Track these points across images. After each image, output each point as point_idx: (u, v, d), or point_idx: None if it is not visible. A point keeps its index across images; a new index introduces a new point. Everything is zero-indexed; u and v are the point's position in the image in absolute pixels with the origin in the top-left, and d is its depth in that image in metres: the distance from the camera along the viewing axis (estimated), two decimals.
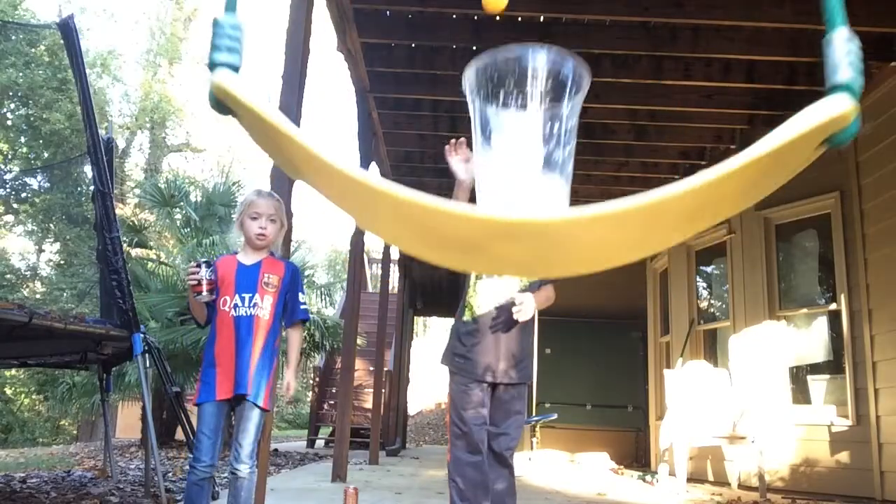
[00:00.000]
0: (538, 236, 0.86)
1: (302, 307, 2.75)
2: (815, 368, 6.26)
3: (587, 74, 0.97)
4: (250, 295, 2.60)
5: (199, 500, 2.53)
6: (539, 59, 0.94)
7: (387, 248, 9.01)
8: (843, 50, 0.81)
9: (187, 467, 6.30)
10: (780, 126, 0.82)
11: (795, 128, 0.81)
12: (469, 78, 0.98)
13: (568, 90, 0.95)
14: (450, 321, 3.10)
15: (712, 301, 8.25)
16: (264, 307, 2.61)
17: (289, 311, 2.72)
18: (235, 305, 2.59)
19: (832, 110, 0.80)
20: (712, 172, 0.83)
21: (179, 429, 5.77)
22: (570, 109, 0.96)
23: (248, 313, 2.59)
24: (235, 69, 0.87)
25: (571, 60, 0.95)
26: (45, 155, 16.13)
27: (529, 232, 0.85)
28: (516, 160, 0.93)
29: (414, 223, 0.92)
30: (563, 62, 0.94)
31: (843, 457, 5.53)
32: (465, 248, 0.91)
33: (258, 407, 2.55)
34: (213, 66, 0.87)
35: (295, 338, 2.77)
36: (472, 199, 2.39)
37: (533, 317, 2.68)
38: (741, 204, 0.96)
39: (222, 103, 0.87)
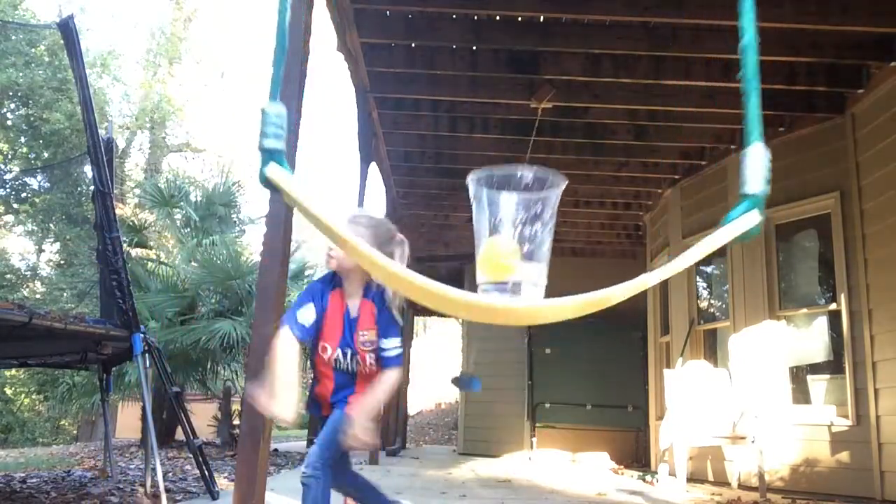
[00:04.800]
0: (522, 314, 1.19)
1: (384, 354, 2.30)
2: (814, 368, 6.26)
3: (562, 180, 1.18)
4: (351, 352, 2.35)
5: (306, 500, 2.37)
6: (525, 175, 1.15)
7: None
8: (757, 164, 0.98)
9: (187, 467, 6.27)
10: (701, 242, 1.03)
11: (714, 242, 1.03)
12: (471, 184, 1.19)
13: (546, 195, 1.16)
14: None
15: (712, 301, 8.25)
16: (367, 364, 2.35)
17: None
18: (336, 360, 2.35)
19: (746, 225, 1.00)
20: (651, 279, 1.06)
21: (179, 429, 5.77)
22: (548, 211, 1.18)
23: (350, 368, 2.36)
24: (282, 153, 1.01)
25: (549, 175, 1.17)
26: (45, 155, 16.13)
27: (517, 314, 1.19)
28: (505, 249, 1.16)
29: (427, 297, 1.11)
30: (545, 176, 1.16)
31: (843, 457, 5.52)
32: (466, 312, 1.16)
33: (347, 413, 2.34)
34: (262, 151, 1.00)
35: (379, 378, 2.32)
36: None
37: None
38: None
39: (271, 183, 1.03)
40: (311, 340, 2.36)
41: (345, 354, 2.35)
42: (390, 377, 2.30)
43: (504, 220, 1.12)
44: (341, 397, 2.39)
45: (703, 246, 1.03)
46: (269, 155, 0.99)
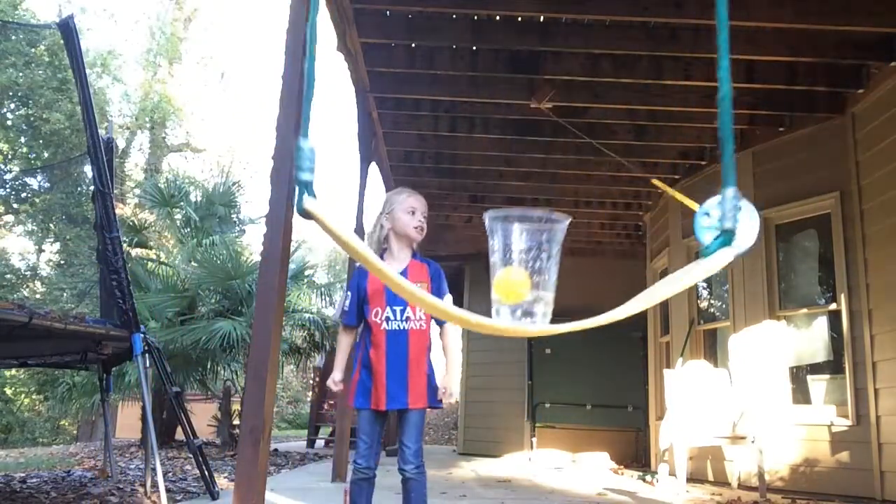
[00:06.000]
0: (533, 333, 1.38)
1: None
2: (815, 368, 6.26)
3: (566, 219, 1.30)
4: (402, 308, 2.48)
5: (358, 499, 2.56)
6: (536, 215, 1.29)
7: None
8: (730, 205, 1.10)
9: (187, 467, 6.27)
10: (682, 272, 1.13)
11: (694, 276, 1.12)
12: (487, 219, 1.32)
13: (553, 231, 1.30)
14: None
15: (712, 301, 8.24)
16: (417, 318, 2.49)
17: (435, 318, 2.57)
18: (387, 318, 2.47)
19: (723, 260, 1.09)
20: (634, 306, 1.12)
21: (179, 429, 5.77)
22: (555, 246, 1.31)
23: (401, 327, 2.47)
24: (312, 184, 1.13)
25: (555, 215, 1.28)
26: (45, 155, 16.13)
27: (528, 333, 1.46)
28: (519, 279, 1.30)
29: (448, 316, 1.26)
30: (552, 216, 1.29)
31: (843, 457, 5.52)
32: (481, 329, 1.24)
33: (418, 409, 2.52)
34: (299, 183, 1.11)
35: (446, 343, 2.61)
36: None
37: None
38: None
39: (307, 213, 1.14)
40: (360, 316, 2.58)
41: (394, 312, 2.50)
42: (452, 332, 2.65)
43: (517, 252, 1.30)
44: (401, 398, 2.50)
45: (683, 279, 1.13)
46: (304, 187, 1.13)
